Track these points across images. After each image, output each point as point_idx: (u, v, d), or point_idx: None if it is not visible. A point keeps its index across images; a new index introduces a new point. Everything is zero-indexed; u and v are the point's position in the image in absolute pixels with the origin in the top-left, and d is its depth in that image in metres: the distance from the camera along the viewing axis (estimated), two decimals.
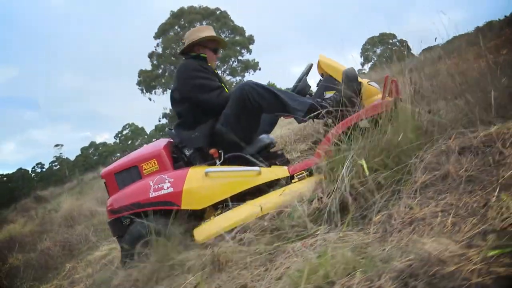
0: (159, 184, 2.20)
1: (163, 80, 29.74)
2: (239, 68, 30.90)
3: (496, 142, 1.46)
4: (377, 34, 33.56)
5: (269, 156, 2.53)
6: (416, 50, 3.08)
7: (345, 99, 2.15)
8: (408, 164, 1.56)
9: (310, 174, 2.09)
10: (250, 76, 30.69)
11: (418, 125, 1.72)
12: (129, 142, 38.47)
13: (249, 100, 2.24)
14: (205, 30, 2.58)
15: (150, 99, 30.36)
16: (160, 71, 30.21)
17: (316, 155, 2.09)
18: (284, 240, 1.57)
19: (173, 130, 2.51)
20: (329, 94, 2.35)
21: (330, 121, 2.36)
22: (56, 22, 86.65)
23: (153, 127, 33.55)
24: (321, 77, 2.59)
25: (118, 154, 37.51)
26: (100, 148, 38.12)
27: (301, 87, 2.59)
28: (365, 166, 1.51)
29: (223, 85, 2.49)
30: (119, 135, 38.62)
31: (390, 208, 1.47)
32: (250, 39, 30.05)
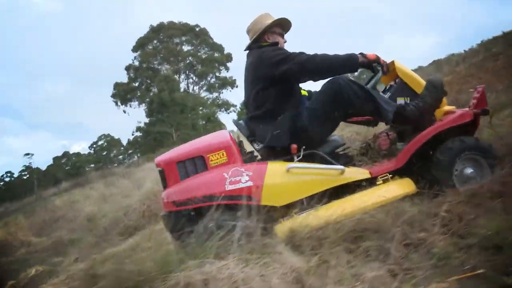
0: (235, 177, 2.03)
1: (139, 93, 29.56)
2: (216, 85, 31.02)
3: None
4: None
5: (335, 156, 2.41)
6: None
7: (428, 106, 2.22)
8: None
9: (392, 177, 2.15)
10: (228, 93, 30.88)
11: (168, 251, 1.67)
12: (104, 153, 37.87)
13: (342, 96, 2.12)
14: (268, 17, 2.42)
15: (124, 112, 30.11)
16: (137, 84, 30.05)
17: (398, 159, 2.18)
18: None
19: (241, 122, 2.42)
20: (400, 100, 2.35)
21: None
22: (37, 30, 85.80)
23: (127, 140, 33.06)
24: (391, 84, 2.52)
25: (92, 165, 36.83)
26: (74, 158, 37.39)
27: None
28: None
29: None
30: (94, 145, 37.98)
31: None
32: (228, 57, 30.28)
